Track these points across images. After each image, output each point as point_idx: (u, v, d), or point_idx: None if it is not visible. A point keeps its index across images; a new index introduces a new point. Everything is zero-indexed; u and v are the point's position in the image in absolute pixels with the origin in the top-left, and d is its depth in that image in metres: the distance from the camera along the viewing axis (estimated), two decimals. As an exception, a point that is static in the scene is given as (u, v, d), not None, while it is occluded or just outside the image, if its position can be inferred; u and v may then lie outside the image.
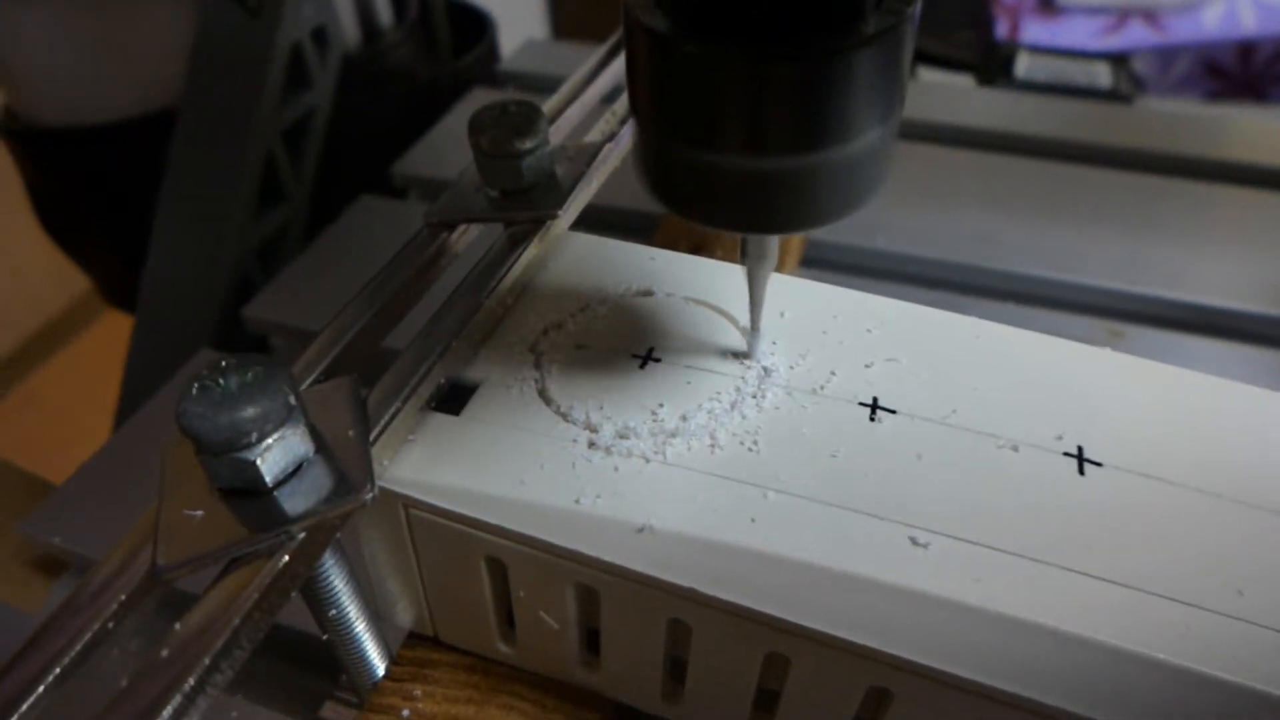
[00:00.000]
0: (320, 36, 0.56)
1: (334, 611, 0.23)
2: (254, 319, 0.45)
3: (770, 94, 0.18)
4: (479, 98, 0.60)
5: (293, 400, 0.20)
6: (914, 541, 0.20)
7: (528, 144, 0.28)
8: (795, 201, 0.19)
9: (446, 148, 0.54)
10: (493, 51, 0.67)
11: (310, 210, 0.59)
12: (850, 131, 0.18)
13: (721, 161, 0.19)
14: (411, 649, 0.26)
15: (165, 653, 0.17)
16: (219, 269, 0.52)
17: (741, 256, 0.23)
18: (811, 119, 0.18)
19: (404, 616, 0.26)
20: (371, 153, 0.55)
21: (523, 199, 0.29)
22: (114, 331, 0.53)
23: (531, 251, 0.27)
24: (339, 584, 0.23)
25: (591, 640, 0.24)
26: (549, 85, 0.36)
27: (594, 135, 0.34)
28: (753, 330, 0.24)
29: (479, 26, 0.67)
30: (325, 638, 0.24)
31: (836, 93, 0.18)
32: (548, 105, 0.34)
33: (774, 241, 0.23)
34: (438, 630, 0.26)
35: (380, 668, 0.25)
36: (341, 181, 0.56)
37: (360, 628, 0.24)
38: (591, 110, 0.36)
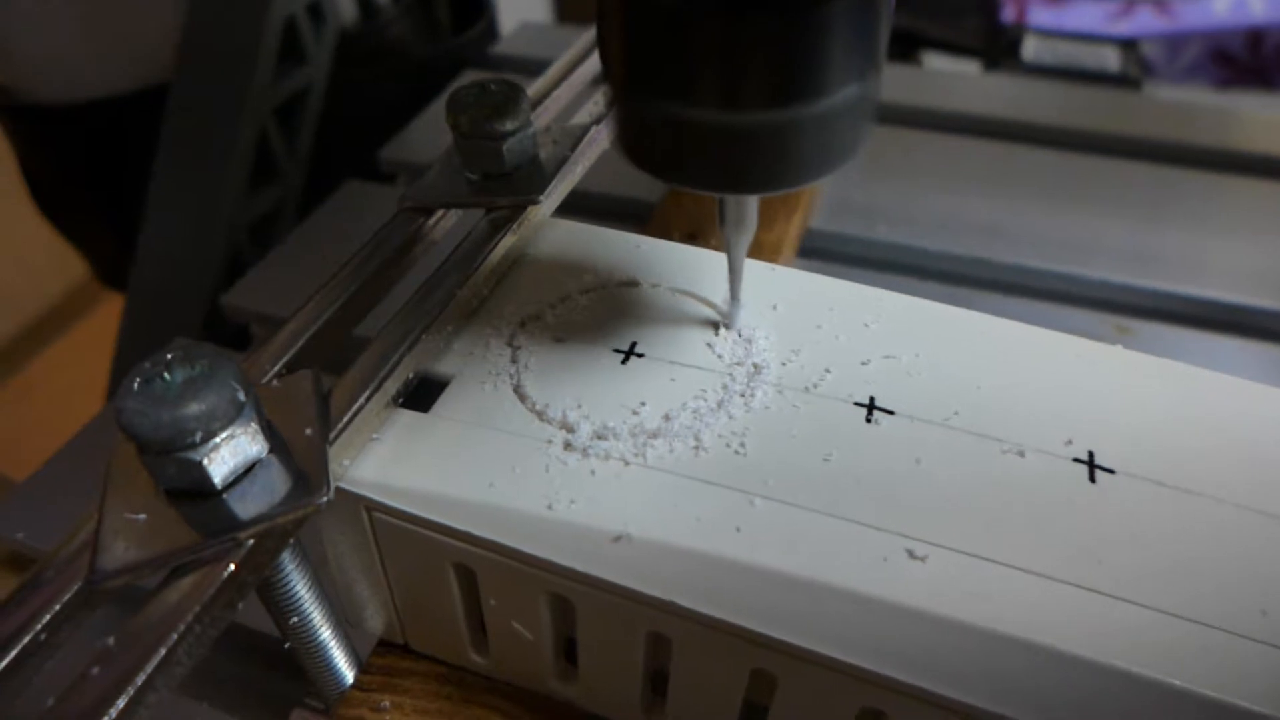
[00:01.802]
0: (316, 12, 0.54)
1: (296, 619, 0.22)
2: (234, 307, 0.43)
3: (746, 46, 0.17)
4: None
5: (241, 396, 0.18)
6: (911, 554, 0.18)
7: (508, 125, 0.27)
8: (772, 159, 0.19)
9: (436, 132, 0.53)
10: (492, 29, 0.66)
11: (305, 188, 0.58)
12: (827, 87, 0.18)
13: (697, 118, 0.18)
14: (381, 657, 0.25)
15: (96, 669, 0.16)
16: (211, 247, 0.51)
17: (720, 222, 0.22)
18: (788, 72, 0.17)
19: (373, 623, 0.25)
20: (368, 131, 0.54)
21: (504, 183, 0.28)
22: (116, 317, 0.53)
23: (510, 239, 0.26)
24: (300, 589, 0.22)
25: (569, 649, 0.23)
26: (545, 69, 0.34)
27: (582, 117, 0.32)
28: (732, 300, 0.24)
29: (478, 3, 0.66)
30: (288, 645, 0.23)
31: (813, 46, 0.17)
32: (534, 86, 0.32)
33: (753, 205, 0.22)
34: (408, 638, 0.25)
35: (349, 676, 0.24)
36: (337, 159, 0.55)
37: (325, 635, 0.23)
38: (581, 92, 0.34)
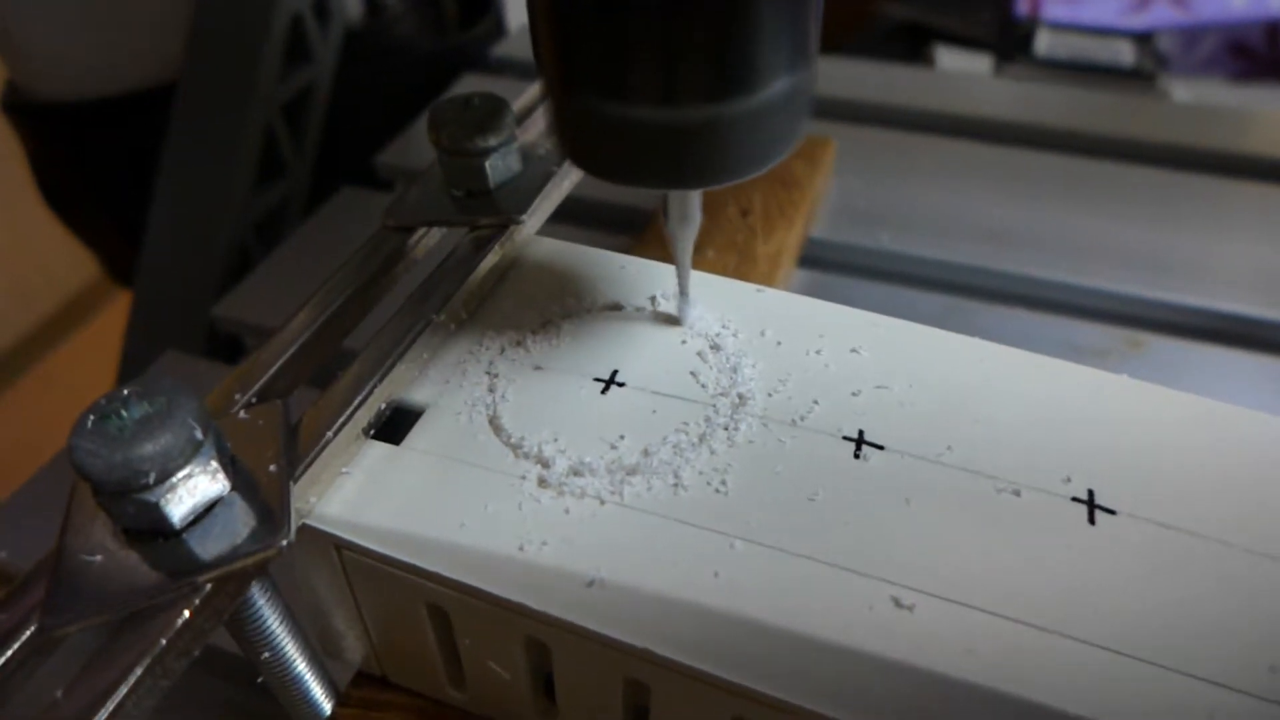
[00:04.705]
0: (321, 9, 0.54)
1: (268, 654, 0.21)
2: (225, 318, 0.43)
3: (672, 38, 0.17)
4: (471, 85, 0.57)
5: (199, 434, 0.18)
6: (898, 603, 0.17)
7: (491, 141, 0.26)
8: (710, 154, 0.19)
9: (432, 137, 0.52)
10: (499, 25, 0.65)
11: (311, 186, 0.57)
12: (758, 79, 0.18)
13: (632, 115, 0.18)
14: (359, 688, 0.25)
15: (41, 727, 0.15)
16: (217, 245, 0.50)
17: (664, 217, 0.22)
18: (717, 65, 0.17)
19: (351, 654, 0.24)
20: (374, 128, 0.54)
21: (487, 201, 0.27)
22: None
23: (492, 259, 0.25)
24: (272, 624, 0.21)
25: (548, 685, 0.22)
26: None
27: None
28: (681, 295, 0.24)
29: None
30: (260, 680, 0.22)
31: (740, 37, 0.17)
32: (520, 99, 0.31)
33: (695, 200, 0.22)
34: (385, 671, 0.24)
35: (326, 708, 0.23)
36: (343, 157, 0.54)
37: (300, 669, 0.22)
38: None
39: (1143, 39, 0.84)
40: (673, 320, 0.24)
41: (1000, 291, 0.41)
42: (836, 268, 0.42)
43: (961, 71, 0.74)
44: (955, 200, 0.44)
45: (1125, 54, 0.82)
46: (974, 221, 0.43)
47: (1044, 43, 0.85)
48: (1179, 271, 0.40)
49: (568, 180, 0.28)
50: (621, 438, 0.21)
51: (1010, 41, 0.85)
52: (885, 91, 0.53)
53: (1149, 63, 0.81)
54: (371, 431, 0.21)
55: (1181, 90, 0.74)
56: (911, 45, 0.89)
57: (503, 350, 0.23)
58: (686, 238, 0.23)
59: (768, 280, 0.37)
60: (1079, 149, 0.49)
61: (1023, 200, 0.45)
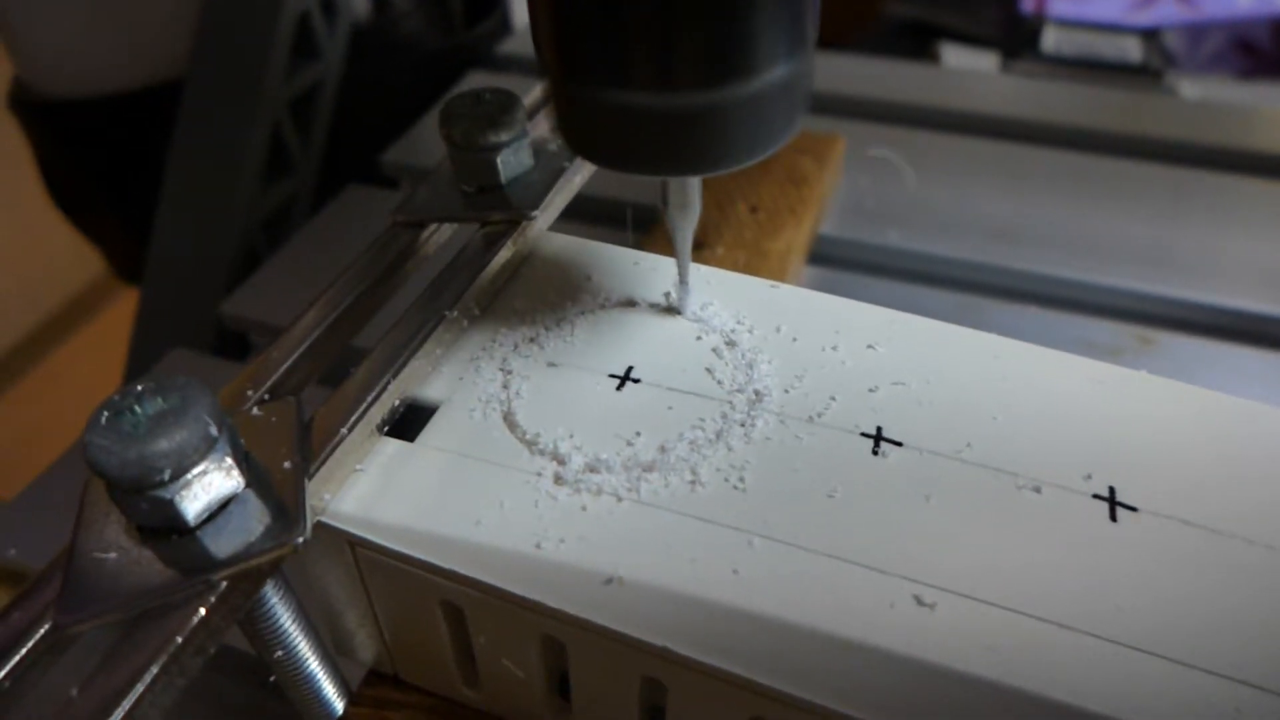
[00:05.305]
0: (328, 6, 0.54)
1: (280, 653, 0.21)
2: (232, 316, 0.43)
3: (668, 24, 0.17)
4: (477, 82, 0.57)
5: (214, 431, 0.17)
6: (919, 600, 0.17)
7: (503, 137, 0.26)
8: (709, 140, 0.19)
9: (438, 136, 0.52)
10: (505, 23, 0.65)
11: (317, 183, 0.57)
12: (755, 65, 0.18)
13: (631, 101, 0.18)
14: (372, 687, 0.24)
15: (56, 726, 0.15)
16: (224, 243, 0.50)
17: (663, 205, 0.22)
18: (713, 50, 0.17)
19: (363, 653, 0.24)
20: (380, 126, 0.54)
21: (498, 196, 0.27)
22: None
23: (504, 256, 0.25)
24: (285, 623, 0.21)
25: (563, 684, 0.22)
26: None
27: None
28: (680, 284, 0.24)
29: None
30: (273, 679, 0.22)
31: (736, 23, 0.17)
32: (531, 94, 0.31)
33: (695, 186, 0.22)
34: (398, 669, 0.24)
35: (338, 707, 0.23)
36: (350, 155, 0.54)
37: (312, 667, 0.22)
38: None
39: (1149, 35, 0.84)
40: (686, 317, 0.24)
41: (1009, 289, 0.40)
42: (846, 265, 0.42)
43: (968, 69, 0.74)
44: (964, 198, 0.44)
45: (1132, 50, 0.82)
46: (982, 219, 0.43)
47: (1050, 39, 0.85)
48: (1188, 268, 0.40)
49: (579, 175, 0.28)
50: (638, 434, 0.20)
51: (1016, 38, 0.84)
52: (893, 89, 0.53)
53: (1156, 59, 0.80)
54: (385, 428, 0.21)
55: (1188, 87, 0.74)
56: (916, 43, 0.89)
57: (516, 346, 0.23)
58: (686, 226, 0.23)
59: (778, 277, 0.36)
60: (1086, 145, 0.49)
61: (1031, 197, 0.44)
